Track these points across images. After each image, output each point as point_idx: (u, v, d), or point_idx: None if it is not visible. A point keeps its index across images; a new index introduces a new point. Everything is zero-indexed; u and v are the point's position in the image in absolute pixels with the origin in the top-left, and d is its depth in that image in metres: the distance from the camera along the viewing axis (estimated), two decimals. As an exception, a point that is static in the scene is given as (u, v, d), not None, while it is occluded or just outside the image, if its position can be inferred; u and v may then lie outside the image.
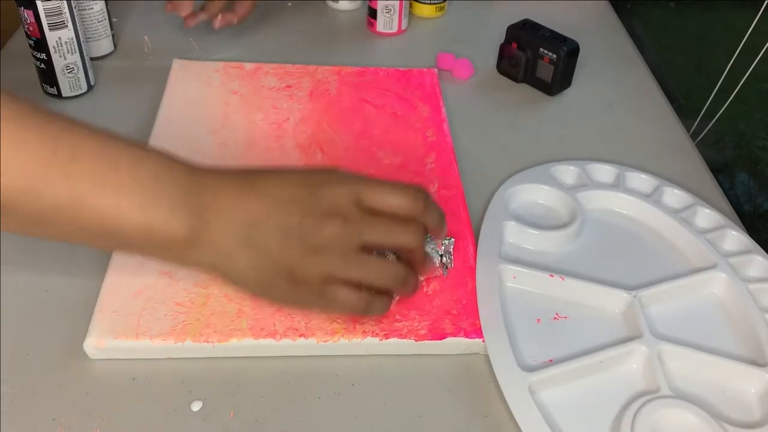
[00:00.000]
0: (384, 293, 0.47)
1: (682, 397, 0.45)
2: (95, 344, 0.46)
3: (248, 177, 0.45)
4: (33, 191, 0.38)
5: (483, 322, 0.48)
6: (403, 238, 0.45)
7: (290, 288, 0.44)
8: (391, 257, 0.47)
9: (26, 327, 0.48)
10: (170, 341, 0.46)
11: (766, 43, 0.61)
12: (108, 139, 0.41)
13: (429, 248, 0.49)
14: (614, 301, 0.51)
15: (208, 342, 0.46)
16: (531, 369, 0.46)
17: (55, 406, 0.44)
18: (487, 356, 0.48)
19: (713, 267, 0.53)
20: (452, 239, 0.50)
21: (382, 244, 0.45)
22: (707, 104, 0.70)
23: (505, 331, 0.48)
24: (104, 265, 0.52)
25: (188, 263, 0.44)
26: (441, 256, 0.49)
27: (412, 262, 0.47)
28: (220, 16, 0.75)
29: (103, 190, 0.39)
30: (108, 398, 0.45)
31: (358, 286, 0.44)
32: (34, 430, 0.43)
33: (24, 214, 0.39)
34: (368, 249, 0.44)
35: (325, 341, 0.47)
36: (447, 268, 0.50)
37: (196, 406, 0.44)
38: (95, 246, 0.43)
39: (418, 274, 0.48)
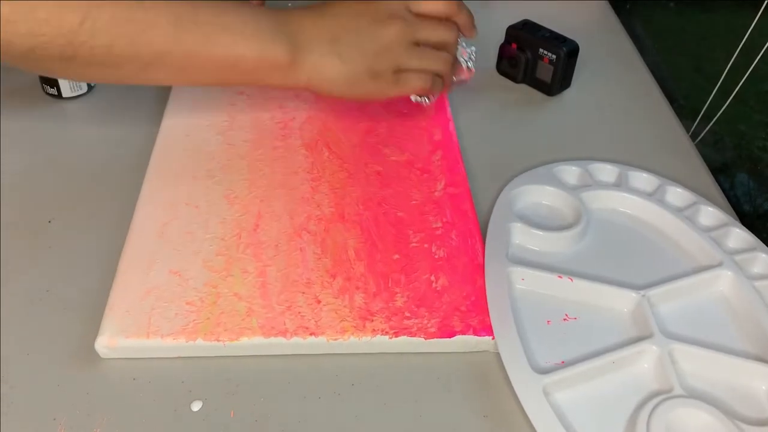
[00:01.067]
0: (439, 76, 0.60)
1: (695, 396, 0.45)
2: (107, 344, 0.46)
3: (321, 6, 0.56)
4: (177, 40, 0.49)
5: (494, 325, 0.48)
6: (445, 33, 0.59)
7: (372, 82, 0.57)
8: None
9: (26, 327, 0.48)
10: (181, 340, 0.46)
11: (766, 44, 0.61)
12: (214, 1, 0.52)
13: (457, 55, 0.62)
14: (623, 301, 0.51)
15: (218, 341, 0.46)
16: (544, 371, 0.46)
17: (55, 406, 0.44)
18: (489, 354, 0.48)
19: (719, 265, 0.53)
20: (473, 45, 0.64)
21: (430, 39, 0.58)
22: (707, 104, 0.70)
23: (517, 334, 0.48)
24: (104, 265, 0.52)
25: (292, 81, 0.55)
26: (466, 61, 0.64)
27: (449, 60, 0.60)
28: None
29: (223, 32, 0.51)
30: (108, 398, 0.45)
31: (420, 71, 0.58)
32: (34, 430, 0.43)
33: (168, 61, 0.50)
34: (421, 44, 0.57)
35: (335, 339, 0.47)
36: (471, 70, 0.65)
37: (196, 406, 0.45)
38: (225, 81, 0.55)
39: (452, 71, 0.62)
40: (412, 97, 0.62)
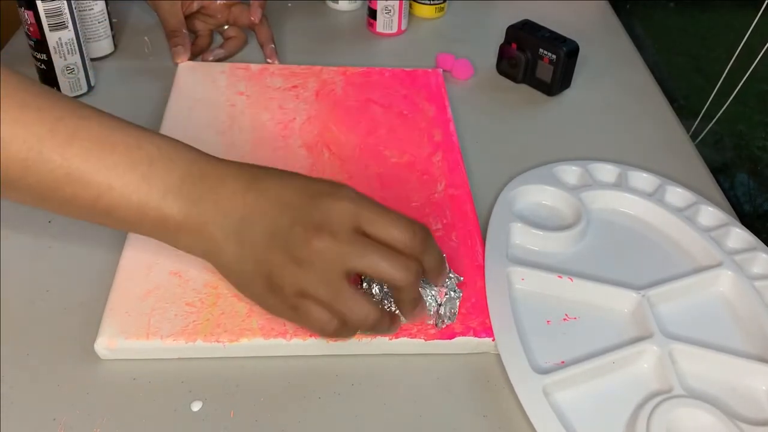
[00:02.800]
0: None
1: (695, 396, 0.45)
2: (107, 345, 0.46)
3: (253, 173, 0.44)
4: (32, 167, 0.40)
5: (494, 325, 0.48)
6: (393, 272, 0.41)
7: (265, 292, 0.43)
8: (375, 290, 0.46)
9: (26, 327, 0.48)
10: (181, 341, 0.46)
11: (766, 44, 0.61)
12: (112, 124, 0.42)
13: (427, 293, 0.46)
14: (623, 301, 0.51)
15: (218, 342, 0.46)
16: (544, 371, 0.46)
17: (55, 406, 0.44)
18: (489, 355, 0.48)
19: (719, 265, 0.54)
20: (461, 292, 0.47)
21: (368, 274, 0.42)
22: (707, 105, 0.70)
23: (517, 334, 0.48)
24: (104, 265, 0.52)
25: (180, 247, 0.44)
26: (439, 305, 0.46)
27: (399, 301, 0.44)
28: (210, 51, 0.75)
29: (97, 171, 0.41)
30: (108, 398, 0.45)
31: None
32: (34, 430, 0.43)
33: (25, 188, 0.41)
34: (355, 276, 0.44)
35: (335, 341, 0.47)
36: (443, 321, 0.47)
37: (196, 406, 0.45)
38: (96, 222, 0.44)
39: (403, 314, 0.45)
40: (428, 304, 0.47)
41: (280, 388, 0.46)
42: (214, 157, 0.45)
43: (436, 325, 0.48)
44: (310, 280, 0.41)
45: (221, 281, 0.50)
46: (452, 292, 0.47)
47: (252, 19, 0.75)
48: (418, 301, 0.45)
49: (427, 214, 0.57)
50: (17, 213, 0.56)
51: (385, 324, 0.44)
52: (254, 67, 0.72)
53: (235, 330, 0.47)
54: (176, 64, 0.72)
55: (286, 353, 0.47)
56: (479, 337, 0.48)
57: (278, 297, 0.43)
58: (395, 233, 0.42)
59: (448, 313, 0.47)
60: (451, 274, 0.47)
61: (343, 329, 0.43)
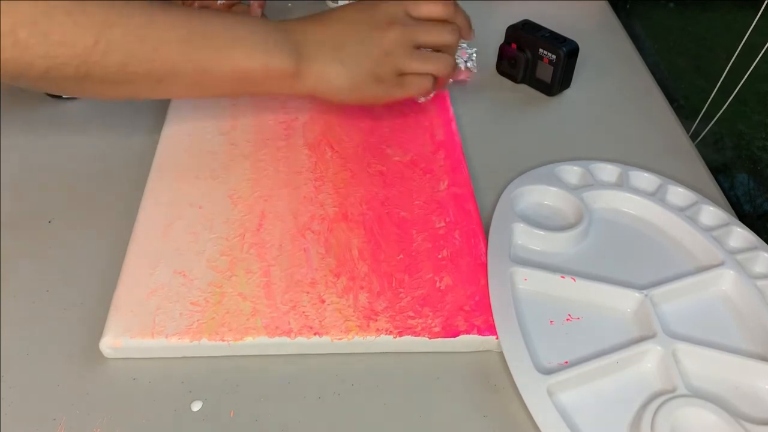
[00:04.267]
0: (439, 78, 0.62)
1: (699, 395, 0.45)
2: (111, 344, 0.46)
3: (321, 16, 0.59)
4: (188, 57, 0.51)
5: (497, 326, 0.48)
6: (444, 35, 0.59)
7: (376, 86, 0.58)
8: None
9: (26, 327, 0.48)
10: (186, 340, 0.46)
11: (766, 44, 0.61)
12: (218, 13, 0.55)
13: (456, 56, 0.64)
14: (626, 300, 0.51)
15: (223, 341, 0.46)
16: (548, 371, 0.46)
17: (55, 406, 0.44)
18: (489, 354, 0.49)
19: (721, 264, 0.54)
20: (476, 50, 0.68)
21: (429, 42, 0.59)
22: (707, 105, 0.70)
23: (520, 334, 0.48)
24: (104, 265, 0.52)
25: (299, 89, 0.57)
26: (465, 61, 0.68)
27: (447, 58, 0.61)
28: None
29: (233, 46, 0.53)
30: (108, 398, 0.45)
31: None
32: (34, 430, 0.43)
33: (181, 77, 0.52)
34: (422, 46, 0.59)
35: (340, 339, 0.47)
36: (471, 70, 0.69)
37: (196, 406, 0.44)
38: (236, 92, 0.58)
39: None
40: (458, 63, 0.65)
41: (280, 388, 0.46)
42: (283, 20, 0.58)
43: (467, 76, 0.69)
44: (400, 60, 0.58)
45: (226, 280, 0.50)
46: (470, 50, 0.69)
47: None
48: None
49: (430, 212, 0.57)
50: (17, 213, 0.56)
51: (453, 66, 0.62)
52: None
53: (240, 329, 0.47)
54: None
55: (291, 351, 0.47)
56: (483, 335, 0.48)
57: (383, 84, 0.58)
58: (434, 8, 0.60)
59: (472, 65, 0.69)
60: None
61: (435, 85, 0.61)
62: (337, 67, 0.56)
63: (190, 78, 0.52)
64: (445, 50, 0.61)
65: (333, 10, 0.59)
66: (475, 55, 0.66)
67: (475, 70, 0.66)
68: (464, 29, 0.62)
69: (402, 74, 0.59)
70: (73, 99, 0.68)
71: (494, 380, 0.47)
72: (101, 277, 0.51)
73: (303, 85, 0.56)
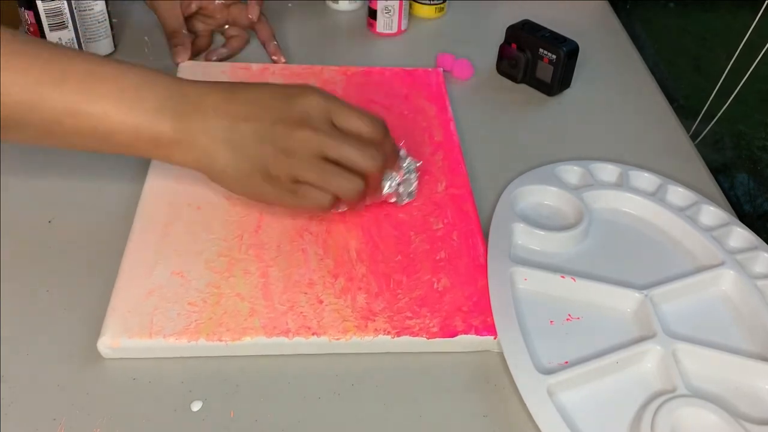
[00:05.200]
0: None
1: (698, 395, 0.45)
2: (109, 344, 0.46)
3: (230, 87, 0.50)
4: (35, 107, 0.45)
5: (498, 326, 0.48)
6: (362, 158, 0.50)
7: (265, 184, 0.50)
8: None
9: (26, 327, 0.48)
10: (183, 340, 0.46)
11: (766, 44, 0.61)
12: (94, 59, 0.48)
13: (387, 176, 0.54)
14: (626, 300, 0.51)
15: (221, 341, 0.46)
16: (548, 371, 0.46)
17: (55, 406, 0.44)
18: (489, 354, 0.48)
19: (721, 264, 0.54)
20: (417, 174, 0.56)
21: (340, 160, 0.49)
22: (707, 105, 0.70)
23: (521, 334, 0.48)
24: (104, 265, 0.51)
25: (175, 161, 0.49)
26: (398, 185, 0.55)
27: (366, 185, 0.51)
28: (213, 51, 0.75)
29: (92, 100, 0.46)
30: (108, 398, 0.44)
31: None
32: (34, 430, 0.43)
33: (30, 127, 0.46)
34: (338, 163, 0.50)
35: (338, 339, 0.47)
36: (402, 198, 0.56)
37: (196, 406, 0.44)
38: (96, 150, 0.49)
39: (368, 195, 0.53)
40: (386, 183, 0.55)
41: (280, 388, 0.46)
42: (189, 80, 0.50)
43: (397, 202, 0.56)
44: (300, 166, 0.49)
45: (224, 281, 0.50)
46: (410, 174, 0.56)
47: (250, 17, 0.75)
48: (381, 185, 0.54)
49: (429, 213, 0.57)
50: (17, 213, 0.56)
51: (362, 191, 0.51)
52: (255, 66, 0.72)
53: (238, 329, 0.47)
54: (176, 64, 0.72)
55: (288, 352, 0.47)
56: (481, 335, 0.48)
57: (276, 186, 0.50)
58: (361, 124, 0.50)
59: (406, 192, 0.56)
60: (408, 159, 0.56)
61: (339, 203, 0.52)
62: (224, 149, 0.48)
63: (40, 129, 0.47)
64: (362, 171, 0.51)
65: (251, 85, 0.51)
66: (414, 175, 0.56)
67: (412, 197, 0.56)
68: (390, 158, 0.53)
69: (299, 182, 0.50)
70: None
71: (494, 380, 0.47)
72: (101, 276, 0.51)
73: (182, 157, 0.49)
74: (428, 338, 0.48)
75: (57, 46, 0.48)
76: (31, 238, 0.54)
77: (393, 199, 0.56)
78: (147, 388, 0.45)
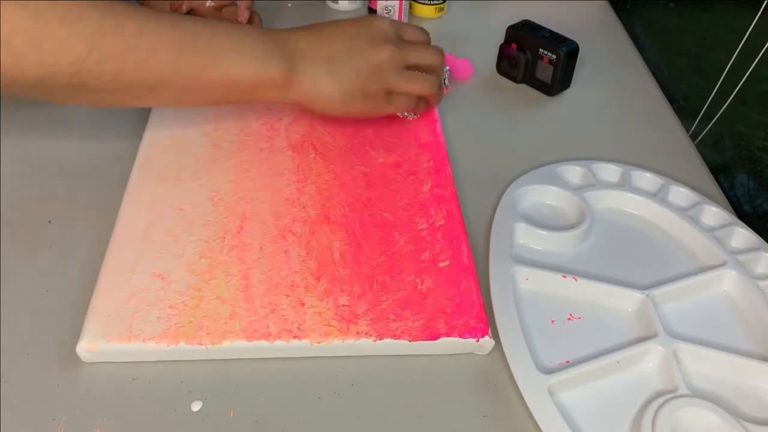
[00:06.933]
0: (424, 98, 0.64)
1: (699, 395, 0.45)
2: (88, 348, 0.45)
3: (315, 28, 0.59)
4: (177, 65, 0.51)
5: (499, 325, 0.48)
6: (432, 57, 0.62)
7: (365, 100, 0.59)
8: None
9: (26, 327, 0.48)
10: (163, 344, 0.46)
11: (766, 44, 0.61)
12: (207, 22, 0.55)
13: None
14: (627, 300, 0.51)
15: (201, 344, 0.46)
16: (549, 371, 0.46)
17: (55, 406, 0.44)
18: (488, 355, 0.48)
19: (723, 265, 0.54)
20: (448, 69, 0.69)
21: (419, 63, 0.61)
22: (707, 105, 0.70)
23: (522, 334, 0.47)
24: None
25: (291, 98, 0.57)
26: (444, 79, 0.68)
27: (434, 80, 0.63)
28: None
29: (221, 55, 0.53)
30: (108, 398, 0.44)
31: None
32: (34, 430, 0.43)
33: (173, 86, 0.52)
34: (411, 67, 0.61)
35: (319, 342, 0.47)
36: (447, 87, 0.69)
37: (196, 406, 0.44)
38: (224, 99, 0.57)
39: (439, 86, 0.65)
40: (399, 113, 0.65)
41: (280, 388, 0.46)
42: (284, 29, 0.58)
43: (446, 92, 0.69)
44: (390, 78, 0.59)
45: (205, 283, 0.50)
46: (447, 73, 0.69)
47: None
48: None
49: (413, 213, 0.56)
50: (17, 213, 0.56)
51: (439, 86, 0.64)
52: None
53: (218, 332, 0.47)
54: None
55: (270, 355, 0.47)
56: (464, 338, 0.48)
57: (374, 99, 0.60)
58: (418, 33, 0.63)
59: (446, 81, 0.69)
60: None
61: (421, 103, 0.64)
62: (329, 78, 0.57)
63: (180, 86, 0.52)
64: (432, 71, 0.63)
65: (329, 23, 0.60)
66: (447, 74, 0.69)
67: (450, 87, 0.71)
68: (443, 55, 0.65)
69: (390, 91, 0.60)
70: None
71: (494, 380, 0.47)
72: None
73: (294, 94, 0.57)
74: (410, 341, 0.47)
75: (175, 15, 0.55)
76: (31, 238, 0.54)
77: (448, 87, 0.70)
78: (147, 388, 0.45)
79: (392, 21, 0.61)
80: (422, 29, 0.64)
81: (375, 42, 0.58)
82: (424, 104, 0.64)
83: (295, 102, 0.58)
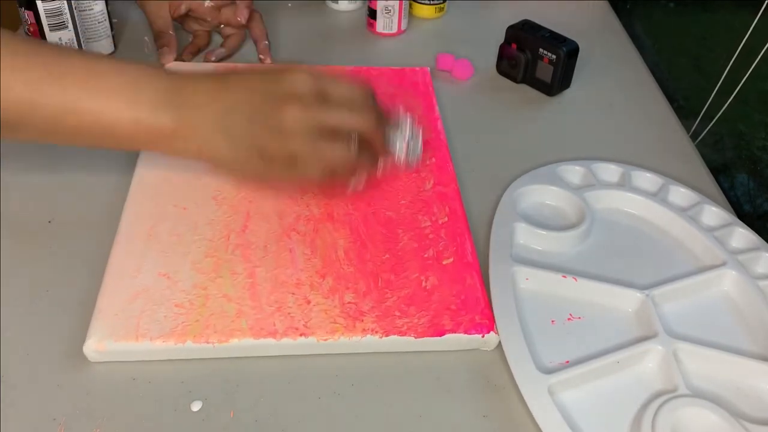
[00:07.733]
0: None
1: (699, 395, 0.45)
2: (95, 347, 0.45)
3: (223, 76, 0.51)
4: (35, 105, 0.45)
5: (499, 325, 0.48)
6: (354, 117, 0.51)
7: (262, 165, 0.50)
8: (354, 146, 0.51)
9: (26, 327, 0.48)
10: (171, 342, 0.46)
11: (766, 43, 0.61)
12: (92, 57, 0.49)
13: (392, 134, 0.55)
14: (627, 300, 0.51)
15: (208, 343, 0.46)
16: (549, 371, 0.46)
17: (55, 406, 0.44)
18: (488, 354, 0.48)
19: (723, 264, 0.54)
20: (419, 129, 0.58)
21: (336, 125, 0.50)
22: (707, 105, 0.70)
23: (522, 334, 0.47)
24: (104, 265, 0.51)
25: (177, 152, 0.50)
26: (408, 142, 0.56)
27: (372, 146, 0.53)
28: (212, 52, 0.75)
29: (92, 96, 0.47)
30: (108, 398, 0.44)
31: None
32: (34, 430, 0.43)
33: (32, 126, 0.46)
34: (332, 132, 0.50)
35: (325, 340, 0.47)
36: (411, 155, 0.57)
37: (196, 406, 0.44)
38: (98, 145, 0.50)
39: (379, 155, 0.54)
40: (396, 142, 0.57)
41: (280, 388, 0.46)
42: (185, 72, 0.51)
43: (408, 162, 0.57)
44: (294, 141, 0.49)
45: (210, 282, 0.50)
46: (411, 142, 0.57)
47: (239, 19, 0.75)
48: (384, 146, 0.55)
49: (416, 211, 0.57)
50: (17, 212, 0.56)
51: (365, 162, 0.53)
52: (242, 67, 0.71)
53: (225, 330, 0.47)
54: (163, 65, 0.71)
55: (277, 353, 0.47)
56: (469, 334, 0.48)
57: (274, 166, 0.50)
58: (347, 90, 0.52)
59: (414, 154, 0.58)
60: (409, 119, 0.56)
61: (336, 176, 0.52)
62: (221, 136, 0.49)
63: (40, 128, 0.47)
64: (370, 135, 0.52)
65: (245, 70, 0.52)
66: (412, 136, 0.57)
67: (412, 159, 0.57)
68: (383, 118, 0.54)
69: (295, 157, 0.50)
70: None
71: (494, 380, 0.47)
72: (102, 277, 0.51)
73: (185, 148, 0.49)
74: (416, 337, 0.47)
75: (55, 46, 0.48)
76: (31, 238, 0.54)
77: (403, 157, 0.56)
78: (147, 388, 0.45)
79: (318, 75, 0.51)
80: (359, 87, 0.52)
81: (282, 99, 0.49)
82: (339, 177, 0.53)
83: (192, 157, 0.50)
